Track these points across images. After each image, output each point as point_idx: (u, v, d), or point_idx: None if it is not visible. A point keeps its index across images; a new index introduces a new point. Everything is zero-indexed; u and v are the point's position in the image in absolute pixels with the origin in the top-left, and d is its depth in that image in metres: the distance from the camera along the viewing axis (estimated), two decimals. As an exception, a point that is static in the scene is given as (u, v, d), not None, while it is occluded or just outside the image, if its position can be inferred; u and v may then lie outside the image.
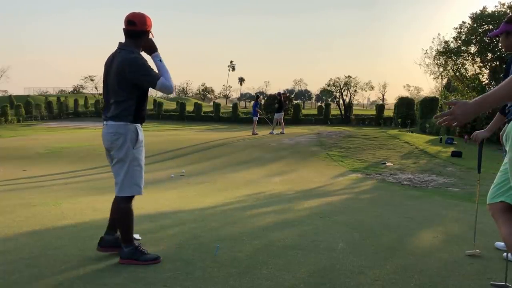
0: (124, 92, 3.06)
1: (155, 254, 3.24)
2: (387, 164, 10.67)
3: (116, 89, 3.07)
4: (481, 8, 17.61)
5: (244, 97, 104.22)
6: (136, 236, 3.41)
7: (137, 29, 3.09)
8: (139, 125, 3.16)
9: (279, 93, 20.04)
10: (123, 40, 3.15)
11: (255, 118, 19.04)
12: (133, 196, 3.21)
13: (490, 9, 17.49)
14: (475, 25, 17.33)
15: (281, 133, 17.73)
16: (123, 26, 3.10)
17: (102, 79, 3.23)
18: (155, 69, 3.16)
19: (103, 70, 3.20)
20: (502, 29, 3.02)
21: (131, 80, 3.03)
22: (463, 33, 17.73)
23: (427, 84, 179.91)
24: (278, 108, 18.25)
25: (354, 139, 14.64)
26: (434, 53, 19.05)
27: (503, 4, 17.39)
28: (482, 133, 3.47)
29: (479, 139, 3.49)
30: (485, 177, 3.79)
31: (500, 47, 3.34)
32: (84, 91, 73.73)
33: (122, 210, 3.18)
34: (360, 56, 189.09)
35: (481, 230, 3.74)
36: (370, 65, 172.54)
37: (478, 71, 18.26)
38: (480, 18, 17.23)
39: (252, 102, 20.32)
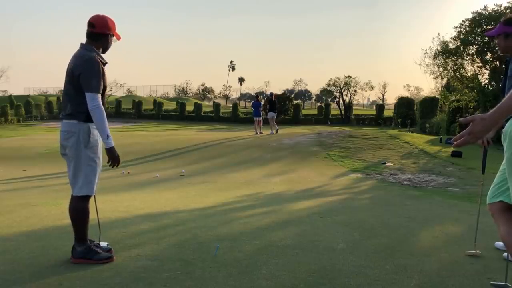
0: (78, 90, 3.02)
1: (108, 253, 3.22)
2: (387, 164, 10.67)
3: (71, 87, 3.06)
4: (482, 7, 17.63)
5: (244, 97, 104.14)
6: (104, 244, 3.39)
7: (95, 31, 3.11)
8: (93, 124, 3.07)
9: (271, 94, 20.54)
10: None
11: (259, 118, 18.95)
12: (89, 196, 3.18)
13: (489, 9, 17.49)
14: (473, 25, 17.33)
15: (272, 133, 18.03)
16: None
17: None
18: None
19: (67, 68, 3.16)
20: (499, 31, 2.99)
21: (79, 78, 2.99)
22: (463, 32, 17.72)
23: (427, 84, 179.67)
24: (270, 108, 18.61)
25: (354, 139, 14.64)
26: (433, 53, 19.04)
27: (500, 5, 17.41)
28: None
29: (485, 139, 3.41)
30: (486, 177, 3.78)
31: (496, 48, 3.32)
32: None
33: (78, 210, 3.14)
34: (360, 56, 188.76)
35: (481, 230, 3.73)
36: (370, 65, 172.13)
37: (477, 71, 18.26)
38: (479, 18, 17.24)
39: (252, 102, 20.50)
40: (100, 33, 3.12)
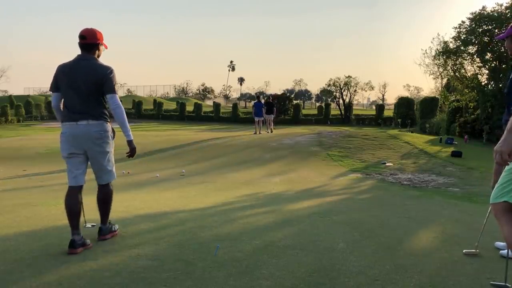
0: (100, 96, 3.50)
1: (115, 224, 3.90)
2: (387, 164, 10.68)
3: (97, 94, 3.46)
4: (480, 8, 17.62)
5: (244, 97, 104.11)
6: (89, 225, 4.05)
7: (87, 42, 3.48)
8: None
9: (269, 96, 23.19)
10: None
11: (260, 119, 19.70)
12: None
13: (489, 9, 17.49)
14: (473, 25, 17.33)
15: (268, 132, 19.63)
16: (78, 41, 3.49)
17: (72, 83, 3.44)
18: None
19: (65, 74, 3.43)
20: (509, 32, 2.97)
21: (104, 84, 3.45)
22: (463, 33, 17.73)
23: (427, 84, 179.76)
24: (268, 110, 20.09)
25: (354, 139, 14.65)
26: (433, 53, 19.06)
27: (501, 5, 17.39)
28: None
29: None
30: (486, 177, 3.78)
31: (506, 49, 3.26)
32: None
33: (109, 194, 3.77)
34: (360, 56, 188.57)
35: (480, 229, 3.73)
36: (370, 65, 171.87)
37: (477, 71, 18.26)
38: (479, 18, 17.24)
39: (254, 103, 21.48)
40: (91, 43, 3.49)
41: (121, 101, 3.66)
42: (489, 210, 3.56)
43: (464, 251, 3.50)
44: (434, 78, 23.39)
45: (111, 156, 3.64)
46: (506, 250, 3.44)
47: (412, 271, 3.07)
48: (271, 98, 23.54)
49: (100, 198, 3.72)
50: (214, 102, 51.78)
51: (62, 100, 3.51)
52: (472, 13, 17.71)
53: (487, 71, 17.96)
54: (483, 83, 17.80)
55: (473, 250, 3.47)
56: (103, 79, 3.43)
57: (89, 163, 3.63)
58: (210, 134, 20.69)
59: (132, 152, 3.69)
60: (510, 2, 17.29)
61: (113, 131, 3.65)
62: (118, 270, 2.99)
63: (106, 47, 3.70)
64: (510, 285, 2.79)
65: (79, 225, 3.48)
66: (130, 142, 3.65)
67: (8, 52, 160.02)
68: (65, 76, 3.43)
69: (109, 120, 3.58)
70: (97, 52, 3.54)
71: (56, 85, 3.49)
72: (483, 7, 17.60)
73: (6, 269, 2.99)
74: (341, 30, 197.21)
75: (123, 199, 5.83)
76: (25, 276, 2.86)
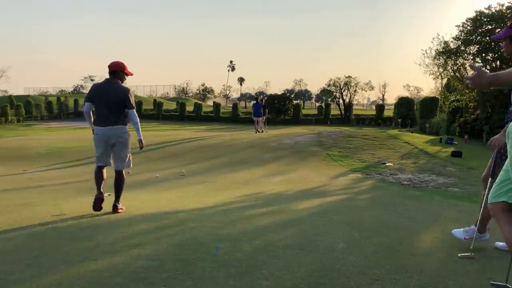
0: (123, 109, 4.96)
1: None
2: (387, 164, 10.68)
3: (120, 107, 4.92)
4: (486, 7, 17.57)
5: (244, 97, 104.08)
6: (107, 194, 5.18)
7: (112, 70, 4.99)
8: None
9: (261, 99, 25.54)
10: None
11: (259, 118, 20.99)
12: None
13: (493, 8, 17.44)
14: (476, 24, 17.30)
15: (262, 131, 21.09)
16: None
17: (99, 91, 4.98)
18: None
19: (98, 92, 4.93)
20: (506, 34, 2.97)
21: (126, 103, 4.95)
22: (464, 32, 17.69)
23: (427, 84, 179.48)
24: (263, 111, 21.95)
25: (354, 139, 14.65)
26: (433, 53, 19.05)
27: (502, 5, 17.36)
28: (500, 137, 3.32)
29: (497, 145, 3.34)
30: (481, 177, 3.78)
31: (502, 50, 3.25)
32: (84, 91, 74.23)
33: (123, 180, 5.10)
34: (360, 56, 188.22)
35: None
36: (370, 65, 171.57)
37: (478, 71, 18.23)
38: (480, 18, 17.22)
39: (253, 103, 22.25)
40: (114, 70, 4.99)
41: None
42: (481, 211, 3.58)
43: (459, 254, 3.46)
44: (434, 78, 23.40)
45: (128, 150, 5.10)
46: (502, 243, 3.45)
47: (412, 271, 3.07)
48: (263, 100, 25.64)
49: (116, 183, 5.06)
50: (214, 102, 51.67)
51: (93, 108, 4.97)
52: (475, 11, 17.67)
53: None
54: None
55: (469, 254, 3.44)
56: (125, 99, 4.91)
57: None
58: (210, 134, 20.68)
59: (141, 146, 5.19)
60: (511, 2, 17.26)
61: (128, 133, 5.07)
62: (118, 270, 2.99)
63: (130, 74, 5.16)
64: (510, 286, 2.79)
65: (101, 188, 4.93)
66: (140, 141, 5.17)
67: (8, 52, 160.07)
68: (99, 94, 4.91)
69: (126, 125, 5.01)
70: (119, 76, 4.99)
71: (90, 98, 4.95)
72: (489, 6, 17.53)
73: (6, 269, 2.99)
74: (341, 30, 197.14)
75: (123, 199, 5.81)
76: (25, 276, 2.86)
